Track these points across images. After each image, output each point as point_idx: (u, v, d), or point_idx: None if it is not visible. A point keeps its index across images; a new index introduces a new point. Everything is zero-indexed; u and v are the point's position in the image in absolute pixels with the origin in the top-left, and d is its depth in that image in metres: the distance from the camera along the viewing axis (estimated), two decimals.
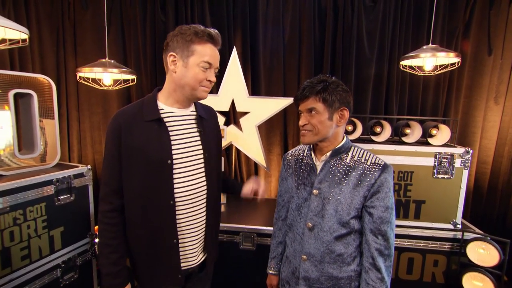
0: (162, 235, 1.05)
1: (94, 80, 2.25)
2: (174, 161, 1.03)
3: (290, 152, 1.23)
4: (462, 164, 1.72)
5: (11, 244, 1.38)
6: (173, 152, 1.03)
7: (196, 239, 1.12)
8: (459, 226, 1.76)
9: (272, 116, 2.25)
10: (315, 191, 1.05)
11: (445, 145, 1.79)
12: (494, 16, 2.32)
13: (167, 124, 1.04)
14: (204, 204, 1.12)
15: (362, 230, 1.03)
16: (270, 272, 1.25)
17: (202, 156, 1.10)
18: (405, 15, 2.40)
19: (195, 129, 1.11)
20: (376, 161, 1.02)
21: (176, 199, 1.04)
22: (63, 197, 1.60)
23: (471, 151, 1.71)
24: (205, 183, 1.11)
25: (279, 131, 2.62)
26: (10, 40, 1.62)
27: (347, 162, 1.03)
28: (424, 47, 1.92)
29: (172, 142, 1.04)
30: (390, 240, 1.00)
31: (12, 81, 1.51)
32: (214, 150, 1.17)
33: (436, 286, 1.78)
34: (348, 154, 1.05)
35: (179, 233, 1.06)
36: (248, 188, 1.25)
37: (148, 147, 1.01)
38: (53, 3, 2.53)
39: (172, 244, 1.05)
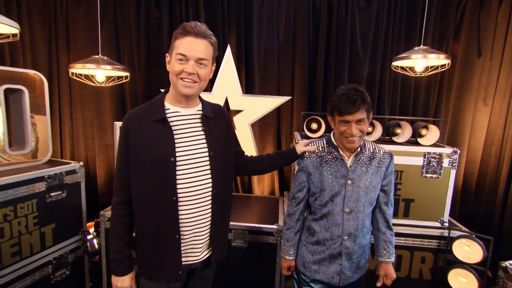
0: (165, 229, 1.08)
1: (86, 77, 2.23)
2: (177, 159, 1.07)
3: (306, 153, 1.35)
4: (450, 164, 1.76)
5: (1, 240, 1.38)
6: (177, 150, 1.07)
7: (201, 236, 1.13)
8: (446, 224, 1.81)
9: (265, 115, 2.27)
10: (349, 182, 1.24)
11: (434, 145, 1.83)
12: (483, 18, 2.36)
13: (172, 123, 1.08)
14: (210, 202, 1.13)
15: (377, 203, 1.31)
16: (288, 257, 1.38)
17: (207, 154, 1.12)
18: (398, 16, 2.43)
19: (200, 128, 1.13)
20: (386, 150, 1.31)
21: (179, 196, 1.07)
22: (54, 193, 1.59)
23: (458, 151, 1.75)
24: (210, 180, 1.12)
25: (273, 130, 2.63)
26: (0, 34, 1.60)
27: (367, 154, 1.27)
28: (416, 48, 1.95)
29: (176, 141, 1.07)
30: (393, 206, 1.34)
31: (2, 77, 1.50)
32: (221, 148, 1.17)
33: (423, 283, 1.83)
34: (366, 148, 1.28)
35: (181, 228, 1.09)
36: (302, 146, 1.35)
37: (153, 146, 1.06)
38: None
39: (174, 239, 1.08)
